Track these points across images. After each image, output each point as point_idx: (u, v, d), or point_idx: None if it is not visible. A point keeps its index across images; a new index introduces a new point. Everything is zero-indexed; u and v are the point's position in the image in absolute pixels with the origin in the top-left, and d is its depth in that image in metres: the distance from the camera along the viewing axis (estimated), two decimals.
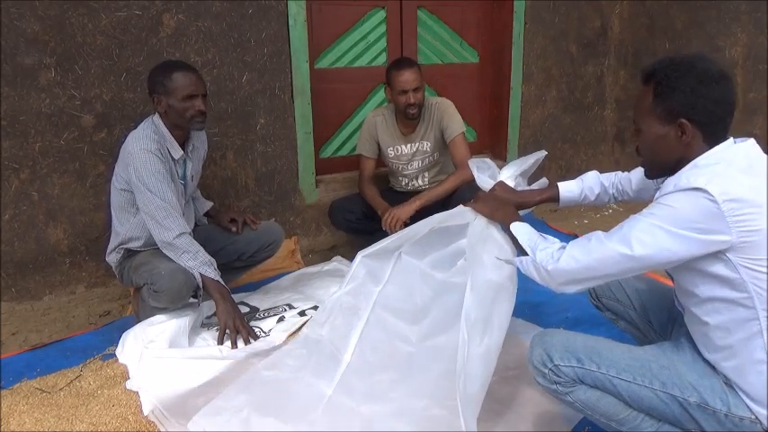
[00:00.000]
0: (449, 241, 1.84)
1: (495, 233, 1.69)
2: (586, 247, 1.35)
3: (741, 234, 1.19)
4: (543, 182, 1.92)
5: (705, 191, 1.19)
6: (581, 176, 1.87)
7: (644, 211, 1.31)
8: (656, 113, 1.33)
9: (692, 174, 1.25)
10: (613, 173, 1.84)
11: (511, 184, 1.85)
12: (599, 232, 1.37)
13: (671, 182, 1.29)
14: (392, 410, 1.69)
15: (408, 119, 2.82)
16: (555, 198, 1.86)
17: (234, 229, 2.46)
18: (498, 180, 1.85)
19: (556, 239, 1.48)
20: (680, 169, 1.33)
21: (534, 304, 2.38)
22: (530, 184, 1.94)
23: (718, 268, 1.24)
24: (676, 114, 1.30)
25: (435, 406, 1.65)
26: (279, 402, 1.74)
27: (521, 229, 1.56)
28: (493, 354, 1.56)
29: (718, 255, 1.23)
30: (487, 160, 1.89)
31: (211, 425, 1.67)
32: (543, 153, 1.91)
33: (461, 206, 1.82)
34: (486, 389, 1.54)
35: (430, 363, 1.77)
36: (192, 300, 2.17)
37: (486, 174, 1.86)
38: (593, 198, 1.85)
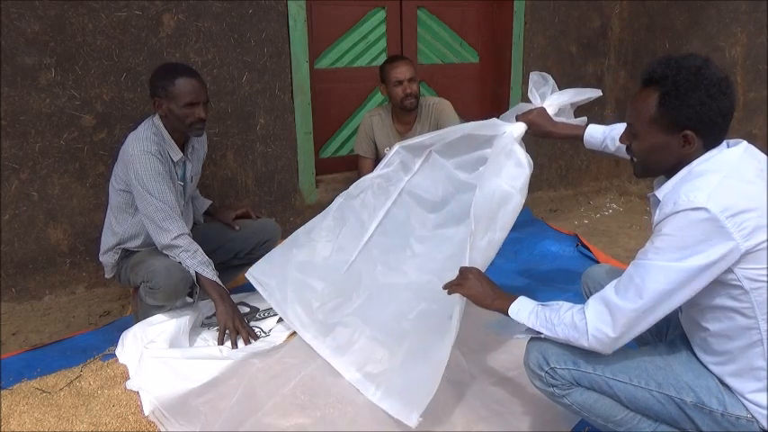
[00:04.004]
0: (475, 148, 1.98)
1: (518, 151, 1.83)
2: (608, 318, 1.28)
3: (748, 246, 1.18)
4: (582, 120, 1.97)
5: (706, 209, 1.18)
6: (613, 125, 1.86)
7: (649, 247, 1.27)
8: (660, 122, 1.30)
9: (690, 188, 1.23)
10: None
11: (551, 111, 1.93)
12: (611, 288, 1.31)
13: (670, 199, 1.26)
14: (403, 282, 2.06)
15: (406, 110, 2.80)
16: (580, 138, 1.89)
17: (237, 227, 2.49)
18: (541, 105, 1.94)
19: (560, 303, 1.41)
20: (675, 172, 1.32)
21: None
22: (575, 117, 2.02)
23: (721, 278, 1.23)
24: (682, 126, 1.28)
25: (438, 282, 1.86)
26: (313, 265, 2.18)
27: (522, 312, 1.45)
28: (492, 249, 1.77)
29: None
30: (549, 78, 1.98)
31: (262, 275, 2.24)
32: (598, 92, 1.97)
33: (494, 119, 1.95)
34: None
35: (439, 247, 2.06)
36: (188, 299, 2.18)
37: (539, 90, 1.97)
38: (613, 149, 1.82)
